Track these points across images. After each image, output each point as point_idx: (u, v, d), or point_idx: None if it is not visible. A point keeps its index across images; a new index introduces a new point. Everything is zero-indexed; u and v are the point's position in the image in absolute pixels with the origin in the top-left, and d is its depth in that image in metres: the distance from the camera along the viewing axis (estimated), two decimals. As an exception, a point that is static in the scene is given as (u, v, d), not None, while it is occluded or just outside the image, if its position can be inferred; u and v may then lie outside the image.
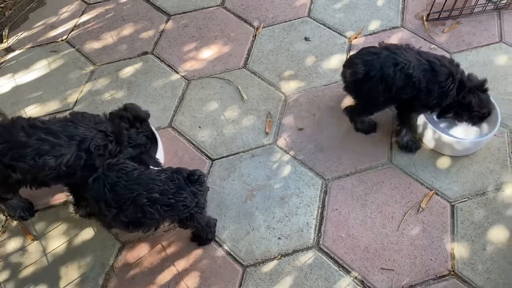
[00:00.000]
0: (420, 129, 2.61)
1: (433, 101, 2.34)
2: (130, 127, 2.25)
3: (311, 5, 3.36)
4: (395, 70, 2.28)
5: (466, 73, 2.39)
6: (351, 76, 2.39)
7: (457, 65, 2.38)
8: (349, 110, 2.64)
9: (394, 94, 2.33)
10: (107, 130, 2.10)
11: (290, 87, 2.93)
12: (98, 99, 2.92)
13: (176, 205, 1.93)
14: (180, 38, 3.22)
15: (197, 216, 2.03)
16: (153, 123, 2.71)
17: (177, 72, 3.04)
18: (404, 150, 2.59)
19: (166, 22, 3.33)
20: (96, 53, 3.17)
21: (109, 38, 3.25)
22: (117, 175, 1.98)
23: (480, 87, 2.37)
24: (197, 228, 2.16)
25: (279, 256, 2.29)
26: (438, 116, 2.44)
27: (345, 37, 3.14)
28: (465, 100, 2.33)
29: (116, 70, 3.07)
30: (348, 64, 2.43)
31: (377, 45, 2.43)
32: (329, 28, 3.21)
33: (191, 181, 1.99)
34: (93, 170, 1.99)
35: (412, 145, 2.56)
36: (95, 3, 3.48)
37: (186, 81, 2.99)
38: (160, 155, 2.50)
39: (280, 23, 3.27)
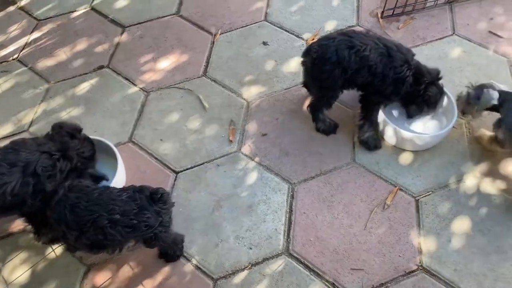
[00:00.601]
0: (380, 127, 2.64)
1: (389, 88, 2.38)
2: (71, 139, 2.19)
3: (267, 9, 3.35)
4: (350, 53, 2.31)
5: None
6: (309, 60, 2.42)
7: (413, 54, 2.44)
8: (311, 106, 2.65)
9: (349, 77, 2.37)
10: (50, 149, 2.04)
11: (251, 92, 2.92)
12: (54, 118, 2.83)
13: (139, 225, 1.88)
14: (136, 49, 3.16)
15: (162, 235, 1.99)
16: (112, 139, 2.67)
17: (135, 85, 2.98)
18: (364, 146, 2.61)
19: (121, 34, 3.26)
20: (50, 70, 3.07)
21: (62, 54, 3.15)
22: (77, 196, 1.93)
23: (437, 78, 2.45)
24: (163, 246, 2.12)
25: (249, 266, 2.27)
26: (408, 114, 2.55)
27: (303, 39, 3.15)
28: (431, 92, 2.40)
29: (72, 87, 2.98)
30: (306, 50, 2.47)
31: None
32: (286, 31, 3.21)
33: (154, 200, 1.94)
34: (45, 196, 1.92)
35: (372, 142, 2.59)
36: (46, 19, 3.37)
37: (145, 93, 2.93)
38: (121, 173, 2.45)
39: (238, 28, 3.25)
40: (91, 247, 1.95)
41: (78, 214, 1.88)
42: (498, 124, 2.39)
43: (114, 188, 2.02)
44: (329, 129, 2.68)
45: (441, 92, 2.50)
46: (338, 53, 2.32)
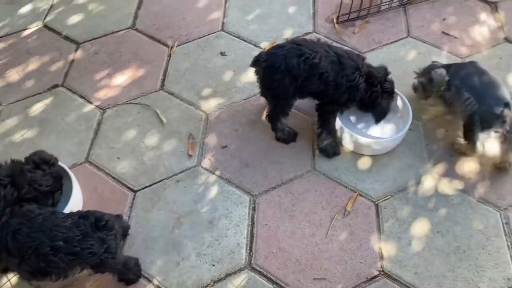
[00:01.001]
0: (338, 133, 2.65)
1: (344, 96, 2.39)
2: (35, 169, 2.13)
3: (224, 19, 3.34)
4: (299, 61, 2.31)
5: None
6: (259, 69, 2.43)
7: (363, 59, 2.46)
8: (269, 116, 2.64)
9: (300, 85, 2.38)
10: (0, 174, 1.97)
11: (210, 104, 2.89)
12: (7, 141, 2.75)
13: (82, 252, 1.84)
14: (91, 66, 3.10)
15: (109, 261, 1.94)
16: (68, 161, 2.60)
17: (90, 103, 2.92)
18: (323, 154, 2.62)
19: (75, 51, 3.19)
20: (2, 92, 2.98)
21: (14, 74, 3.07)
22: (20, 221, 1.89)
23: (386, 74, 2.50)
24: (114, 271, 2.07)
25: (212, 283, 2.23)
26: (376, 119, 2.60)
27: (260, 48, 3.14)
28: (388, 89, 2.46)
29: (25, 108, 2.90)
30: (255, 60, 2.46)
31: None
32: (244, 40, 3.20)
33: (99, 227, 1.90)
34: None
35: (331, 149, 2.60)
36: (-4, 38, 3.29)
37: (101, 111, 2.87)
38: (76, 195, 2.38)
39: (195, 39, 3.23)
40: (33, 274, 1.91)
41: (19, 241, 1.85)
42: (448, 87, 2.52)
43: (60, 214, 1.97)
44: (289, 138, 2.68)
45: (392, 84, 2.56)
46: (287, 61, 2.32)
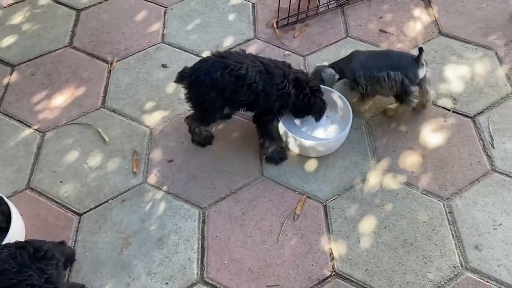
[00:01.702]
0: (283, 138, 2.66)
1: (277, 104, 2.40)
2: None
3: (163, 30, 3.30)
4: (224, 74, 2.30)
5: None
6: (185, 85, 2.41)
7: (289, 66, 2.48)
8: (189, 119, 2.62)
9: (228, 97, 2.37)
10: None
11: (154, 118, 2.85)
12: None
13: (19, 285, 1.76)
14: (28, 88, 2.99)
15: None
16: (7, 189, 2.51)
17: (29, 126, 2.81)
18: (270, 162, 2.62)
19: (11, 74, 3.07)
20: None
21: None
22: None
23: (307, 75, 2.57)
24: None
25: (164, 301, 2.20)
26: (316, 119, 2.63)
27: (202, 57, 3.12)
28: (316, 86, 2.50)
29: (-41, 138, 2.78)
30: (179, 75, 2.41)
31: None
32: (185, 51, 3.17)
33: (37, 258, 1.83)
34: None
35: (277, 155, 2.60)
36: None
37: (41, 134, 2.78)
38: (16, 225, 2.29)
39: (135, 53, 3.17)
40: None
41: None
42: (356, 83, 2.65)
43: None
44: (205, 141, 2.69)
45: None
46: (211, 75, 2.30)
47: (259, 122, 2.53)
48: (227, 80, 2.30)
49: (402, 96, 2.62)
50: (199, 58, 3.06)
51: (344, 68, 2.66)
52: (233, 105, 2.47)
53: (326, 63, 2.73)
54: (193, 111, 2.55)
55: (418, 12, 3.38)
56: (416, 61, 2.56)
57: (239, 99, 2.38)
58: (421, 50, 2.53)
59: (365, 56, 2.68)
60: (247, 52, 2.48)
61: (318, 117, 2.63)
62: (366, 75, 2.57)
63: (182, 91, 2.89)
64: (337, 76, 2.64)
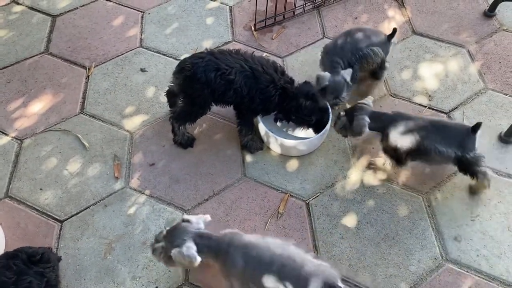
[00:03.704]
0: (265, 139, 2.69)
1: (259, 107, 2.46)
2: None
3: (141, 35, 3.29)
4: (216, 75, 2.36)
5: (301, 81, 2.56)
6: (181, 77, 2.43)
7: (282, 72, 2.49)
8: (175, 119, 2.62)
9: (217, 97, 2.46)
10: None
11: (134, 123, 2.83)
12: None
13: None
14: (4, 96, 2.94)
15: None
16: (-15, 198, 2.44)
17: (6, 134, 2.76)
18: (246, 150, 2.69)
19: (-15, 81, 3.02)
20: None
21: None
22: None
23: (306, 95, 2.49)
24: None
25: (150, 306, 2.19)
26: (275, 119, 2.61)
27: (181, 60, 3.12)
28: (291, 106, 2.46)
29: None
30: (179, 68, 2.46)
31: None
32: (164, 55, 3.17)
33: (34, 262, 1.80)
34: None
35: (252, 144, 2.66)
36: None
37: (19, 142, 2.73)
38: (-4, 235, 2.25)
39: (113, 58, 3.15)
40: None
41: None
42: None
43: None
44: (187, 143, 2.71)
45: (316, 105, 2.53)
46: (207, 74, 2.36)
47: (239, 112, 2.58)
48: (218, 82, 2.37)
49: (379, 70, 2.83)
50: (177, 62, 3.11)
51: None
52: (221, 103, 2.54)
53: (321, 73, 2.70)
54: (180, 108, 2.56)
55: (392, 12, 3.46)
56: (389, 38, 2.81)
57: (226, 99, 2.47)
58: (394, 30, 2.77)
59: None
60: (242, 52, 2.50)
61: (298, 126, 2.64)
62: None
63: (162, 95, 2.91)
64: (326, 83, 2.62)
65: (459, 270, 2.28)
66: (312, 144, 2.64)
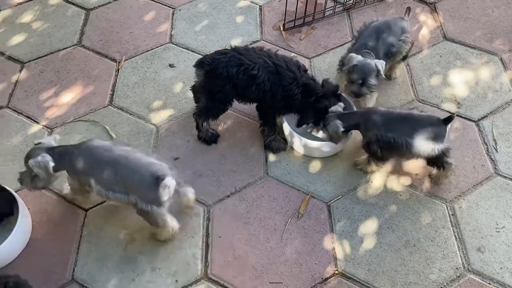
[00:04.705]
0: (288, 139, 2.69)
1: (281, 104, 2.45)
2: None
3: (171, 31, 3.34)
4: (239, 71, 2.38)
5: (320, 79, 2.53)
6: (202, 72, 2.46)
7: (305, 70, 2.49)
8: (197, 115, 2.65)
9: (240, 93, 2.47)
10: None
11: (160, 117, 2.88)
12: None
13: None
14: (37, 85, 3.03)
15: None
16: (15, 184, 2.52)
17: (37, 123, 2.85)
18: (269, 150, 2.69)
19: (20, 71, 3.12)
20: None
21: (-45, 98, 2.97)
22: None
23: (333, 93, 2.48)
24: None
25: (168, 296, 2.22)
26: (298, 125, 2.55)
27: (209, 58, 3.16)
28: (319, 105, 2.43)
29: (-32, 133, 2.82)
30: (199, 62, 2.49)
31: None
32: (192, 51, 3.21)
33: None
34: None
35: (275, 145, 2.66)
36: None
37: (49, 130, 2.81)
38: (24, 219, 2.32)
39: (143, 53, 3.21)
40: None
41: None
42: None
43: None
44: (211, 139, 2.73)
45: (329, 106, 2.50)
46: (228, 70, 2.38)
47: (262, 111, 2.59)
48: (241, 78, 2.39)
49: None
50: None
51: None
52: (243, 99, 2.55)
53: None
54: (202, 104, 2.59)
55: (423, 17, 3.41)
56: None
57: (248, 95, 2.47)
58: (408, 8, 2.82)
59: None
60: (265, 49, 2.51)
61: (300, 123, 2.58)
62: None
63: (189, 91, 2.94)
64: (355, 63, 2.56)
65: (481, 281, 2.23)
66: (337, 146, 2.62)
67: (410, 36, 2.82)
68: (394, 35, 2.73)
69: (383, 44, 2.69)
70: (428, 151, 2.34)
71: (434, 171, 2.50)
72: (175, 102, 2.95)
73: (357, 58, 2.57)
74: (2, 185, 2.37)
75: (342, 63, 2.76)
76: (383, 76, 2.61)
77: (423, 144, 2.32)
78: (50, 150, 2.21)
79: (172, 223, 2.25)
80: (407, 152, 2.36)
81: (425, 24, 3.36)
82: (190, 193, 2.34)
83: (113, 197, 2.17)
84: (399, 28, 2.77)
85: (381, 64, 2.56)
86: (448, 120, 2.31)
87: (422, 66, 3.10)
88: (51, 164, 2.15)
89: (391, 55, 2.74)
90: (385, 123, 2.37)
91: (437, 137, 2.33)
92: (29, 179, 2.24)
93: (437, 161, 2.40)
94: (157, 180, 2.06)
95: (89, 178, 2.17)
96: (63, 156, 2.21)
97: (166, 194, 2.11)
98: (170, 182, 2.09)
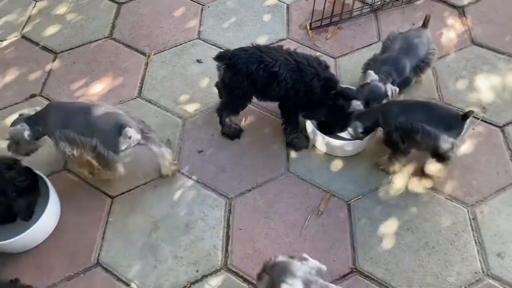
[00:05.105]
0: (311, 136, 2.73)
1: (303, 100, 2.48)
2: (8, 169, 2.28)
3: (200, 27, 3.40)
4: (259, 68, 2.41)
5: (345, 79, 2.56)
6: (221, 66, 2.51)
7: (326, 67, 2.52)
8: (219, 110, 2.71)
9: (260, 89, 2.49)
10: None
11: (187, 110, 2.95)
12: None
13: None
14: (69, 75, 3.14)
15: None
16: (46, 169, 2.64)
17: (68, 112, 2.95)
18: (291, 148, 2.72)
19: (53, 61, 3.23)
20: (-20, 102, 3.01)
21: (-8, 85, 3.10)
22: None
23: (349, 97, 2.50)
24: None
25: (188, 285, 2.28)
26: (306, 116, 2.60)
27: (236, 54, 3.21)
28: (337, 103, 2.46)
29: (3, 118, 2.93)
30: (219, 55, 2.53)
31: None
32: (220, 47, 3.27)
33: None
34: None
35: (297, 143, 2.69)
36: (-27, 50, 3.31)
37: (79, 120, 2.91)
38: (53, 203, 2.42)
39: (172, 48, 3.29)
40: None
41: None
42: None
43: None
44: (234, 134, 2.78)
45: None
46: (247, 66, 2.41)
47: (284, 109, 2.63)
48: (261, 75, 2.41)
49: None
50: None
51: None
52: (263, 97, 2.58)
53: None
54: (223, 99, 2.64)
55: (451, 21, 3.39)
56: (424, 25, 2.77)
57: (269, 92, 2.49)
58: (428, 17, 2.78)
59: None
60: (285, 48, 2.54)
61: (341, 127, 2.60)
62: None
63: (214, 86, 3.00)
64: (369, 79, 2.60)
65: (500, 287, 2.23)
66: (359, 145, 2.65)
67: (436, 47, 2.82)
68: (422, 49, 2.72)
69: (413, 58, 2.68)
70: (442, 142, 2.33)
71: (434, 165, 2.50)
72: (201, 97, 3.01)
73: (372, 77, 2.59)
74: (34, 170, 2.47)
75: (368, 64, 2.78)
76: (390, 98, 2.59)
77: (438, 133, 2.32)
78: (29, 119, 2.42)
79: (121, 169, 2.40)
80: (423, 139, 2.36)
81: (453, 28, 3.35)
82: (167, 153, 2.50)
83: (84, 142, 2.30)
84: (426, 40, 2.75)
85: (392, 90, 2.56)
86: (466, 116, 2.30)
87: (448, 70, 3.09)
88: (27, 132, 2.38)
89: (419, 70, 2.74)
90: (402, 111, 2.40)
91: (453, 131, 2.33)
92: (14, 146, 2.45)
93: (443, 154, 2.39)
94: (120, 128, 2.24)
95: (64, 131, 2.31)
96: (36, 120, 2.40)
97: (125, 143, 2.30)
98: (132, 133, 2.28)
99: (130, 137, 2.28)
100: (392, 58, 2.67)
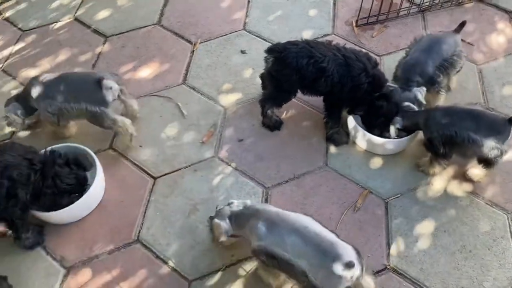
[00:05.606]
0: (352, 133, 2.74)
1: (348, 95, 2.49)
2: (65, 165, 2.30)
3: (246, 19, 3.45)
4: (309, 63, 2.43)
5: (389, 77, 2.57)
6: (271, 58, 2.53)
7: (376, 63, 2.52)
8: (262, 101, 2.75)
9: (307, 84, 2.52)
10: (34, 158, 2.11)
11: (229, 99, 3.01)
12: (38, 131, 2.89)
13: None
14: (118, 59, 3.25)
15: None
16: (93, 146, 2.74)
17: (116, 94, 3.06)
18: (331, 142, 2.74)
19: (103, 44, 3.34)
20: (33, 80, 3.15)
21: (46, 64, 3.23)
22: None
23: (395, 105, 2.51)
24: None
25: (223, 267, 2.34)
26: (349, 112, 2.61)
27: (280, 47, 3.24)
28: (378, 103, 2.47)
29: (55, 96, 3.06)
30: (270, 48, 2.57)
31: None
32: (264, 40, 3.31)
33: None
34: (18, 202, 1.98)
35: (337, 138, 2.71)
36: (30, 29, 3.46)
37: (126, 102, 3.01)
38: (100, 178, 2.52)
39: (217, 37, 3.35)
40: None
41: None
42: None
43: None
44: (274, 126, 2.82)
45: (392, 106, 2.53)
46: (298, 61, 2.44)
47: (327, 103, 2.65)
48: (310, 70, 2.44)
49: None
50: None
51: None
52: (309, 91, 2.61)
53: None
54: (268, 91, 2.68)
55: (502, 25, 3.33)
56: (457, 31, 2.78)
57: (317, 87, 2.52)
58: (464, 23, 2.78)
59: None
60: (334, 43, 2.57)
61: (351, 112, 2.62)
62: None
63: (257, 77, 3.05)
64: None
65: (537, 296, 2.20)
66: (401, 144, 2.64)
67: (464, 51, 2.78)
68: (447, 49, 2.68)
69: (436, 57, 2.65)
70: (489, 149, 2.30)
71: (478, 170, 2.48)
72: (243, 87, 3.07)
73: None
74: (84, 148, 2.58)
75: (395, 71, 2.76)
76: (424, 103, 2.58)
77: (485, 141, 2.29)
78: (18, 97, 2.67)
79: (122, 119, 2.60)
80: (468, 148, 2.34)
81: (503, 33, 3.28)
82: (134, 104, 2.79)
83: (70, 108, 2.50)
84: (453, 42, 2.72)
85: (420, 92, 2.54)
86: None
87: (495, 75, 3.03)
88: (19, 110, 2.64)
89: (444, 69, 2.69)
90: (446, 118, 2.38)
91: (500, 136, 2.30)
92: (14, 124, 2.70)
93: (490, 160, 2.36)
94: (99, 82, 2.46)
95: (48, 101, 2.51)
96: (25, 96, 2.61)
97: (109, 94, 2.50)
98: (110, 83, 2.50)
99: (111, 88, 2.49)
100: (413, 59, 2.66)
